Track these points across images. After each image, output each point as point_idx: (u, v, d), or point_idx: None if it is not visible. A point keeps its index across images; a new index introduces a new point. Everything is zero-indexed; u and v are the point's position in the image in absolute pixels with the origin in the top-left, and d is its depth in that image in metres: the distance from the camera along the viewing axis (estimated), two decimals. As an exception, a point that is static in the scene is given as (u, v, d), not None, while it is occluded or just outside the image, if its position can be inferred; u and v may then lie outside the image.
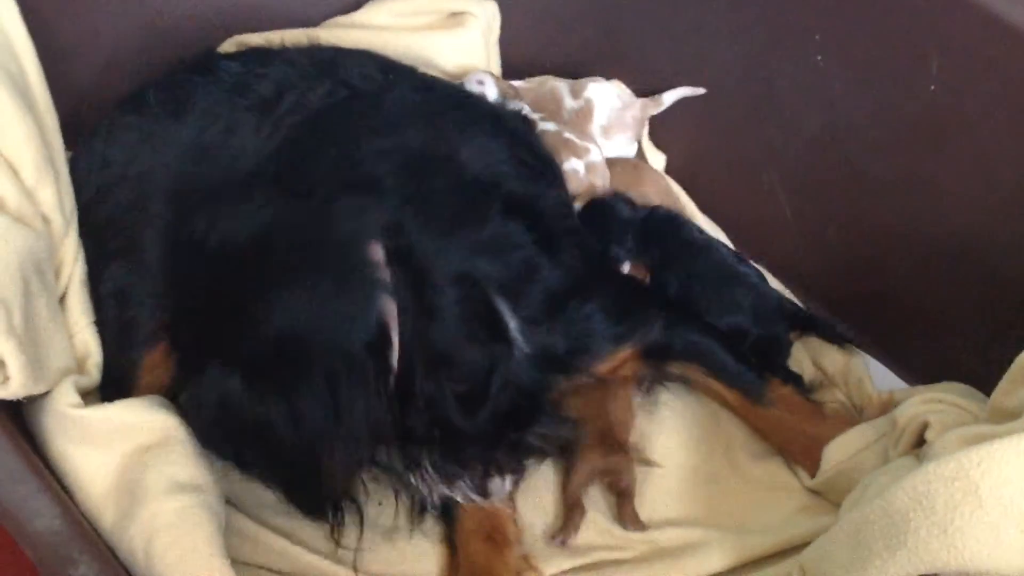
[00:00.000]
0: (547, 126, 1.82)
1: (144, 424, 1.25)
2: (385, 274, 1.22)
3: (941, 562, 1.02)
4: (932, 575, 1.05)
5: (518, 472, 1.40)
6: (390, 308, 1.21)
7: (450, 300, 1.27)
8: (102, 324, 1.39)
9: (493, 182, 1.46)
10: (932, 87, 1.46)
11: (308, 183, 1.38)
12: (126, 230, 1.44)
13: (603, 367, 1.48)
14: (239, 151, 1.48)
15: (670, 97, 1.89)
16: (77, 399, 1.24)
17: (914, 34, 1.46)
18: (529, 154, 1.63)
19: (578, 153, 1.77)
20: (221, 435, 1.25)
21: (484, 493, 1.35)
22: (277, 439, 1.19)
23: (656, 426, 1.59)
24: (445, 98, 1.67)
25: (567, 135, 1.79)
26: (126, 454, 1.23)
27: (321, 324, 1.19)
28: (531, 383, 1.35)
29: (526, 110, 1.85)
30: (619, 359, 1.49)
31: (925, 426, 1.31)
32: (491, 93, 1.83)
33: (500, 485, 1.36)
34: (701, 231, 1.79)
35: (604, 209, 1.75)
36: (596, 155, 1.80)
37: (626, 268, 1.72)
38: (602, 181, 1.78)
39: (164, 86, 1.57)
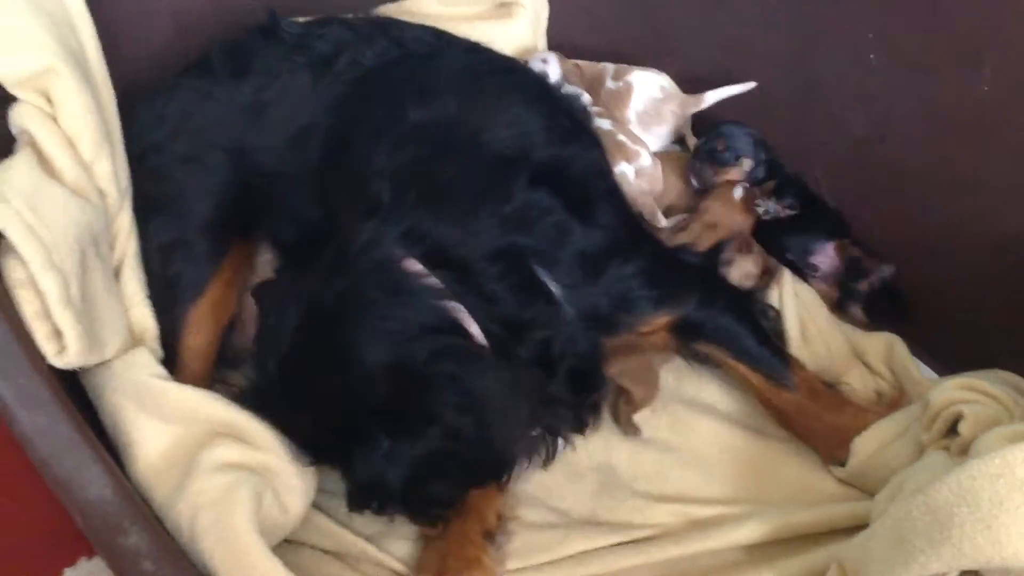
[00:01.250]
0: (603, 124, 1.82)
1: (218, 417, 1.28)
2: (432, 279, 1.28)
3: (985, 557, 1.03)
4: (974, 571, 1.06)
5: (594, 426, 1.50)
6: (455, 307, 1.28)
7: (494, 276, 1.33)
8: (148, 281, 1.42)
9: (520, 153, 1.48)
10: (985, 87, 1.46)
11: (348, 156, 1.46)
12: (177, 181, 1.50)
13: (643, 328, 1.51)
14: (295, 107, 1.54)
15: (712, 96, 1.91)
16: (160, 370, 1.30)
17: (968, 35, 1.47)
18: (566, 118, 1.66)
19: (628, 157, 1.78)
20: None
21: (569, 444, 1.48)
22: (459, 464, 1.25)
23: (691, 411, 1.62)
24: (490, 63, 1.70)
25: (620, 137, 1.79)
26: (190, 433, 1.27)
27: (414, 352, 1.23)
28: (585, 343, 1.41)
29: (585, 99, 1.87)
30: (656, 324, 1.52)
31: (958, 416, 1.31)
32: (553, 73, 1.87)
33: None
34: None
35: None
36: (646, 159, 1.80)
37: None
38: (650, 186, 1.79)
39: (227, 48, 1.62)
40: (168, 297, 1.44)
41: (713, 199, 1.79)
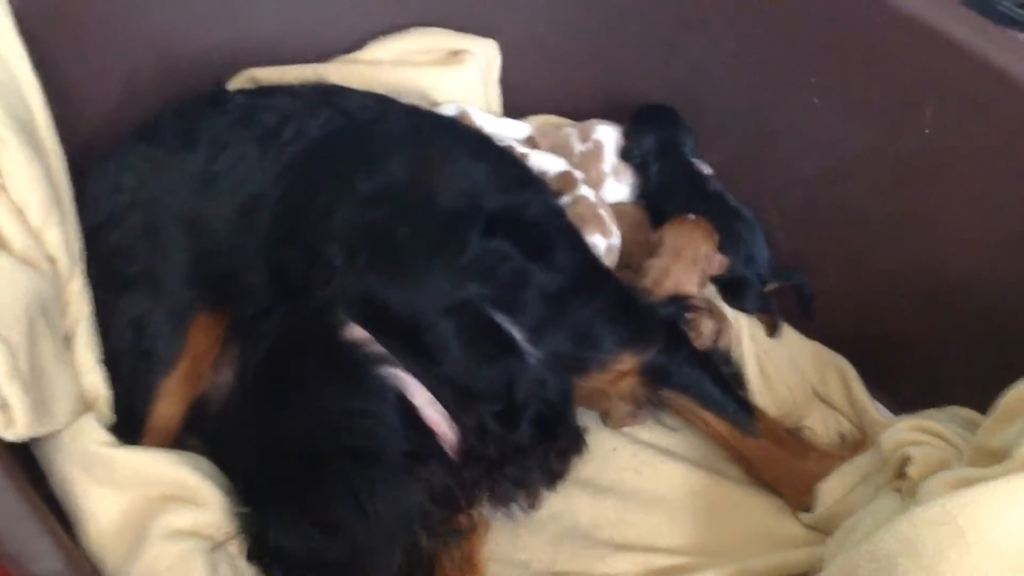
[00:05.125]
0: (587, 192, 1.82)
1: (168, 478, 1.29)
2: (376, 346, 1.28)
3: (930, 608, 1.02)
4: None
5: (564, 476, 1.47)
6: (399, 375, 1.28)
7: (447, 332, 1.32)
8: (117, 353, 1.42)
9: (472, 205, 1.48)
10: (926, 130, 1.48)
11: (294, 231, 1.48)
12: (140, 258, 1.49)
13: (611, 368, 1.50)
14: (244, 178, 1.54)
15: None
16: (107, 437, 1.28)
17: (908, 78, 1.49)
18: (513, 167, 1.68)
19: (604, 232, 1.77)
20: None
21: (536, 505, 1.46)
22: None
23: (652, 452, 1.62)
24: (432, 123, 1.71)
25: (601, 211, 1.79)
26: (141, 498, 1.27)
27: (351, 428, 1.24)
28: (553, 387, 1.40)
29: (563, 165, 1.87)
30: (623, 365, 1.51)
31: (907, 459, 1.32)
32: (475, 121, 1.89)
33: (545, 495, 1.46)
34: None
35: (666, 115, 1.89)
36: (617, 240, 1.79)
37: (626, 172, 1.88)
38: (614, 266, 1.79)
39: (175, 116, 1.62)
40: (140, 370, 1.45)
41: (667, 229, 1.77)
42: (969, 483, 1.10)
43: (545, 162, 1.85)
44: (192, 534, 1.26)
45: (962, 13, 1.43)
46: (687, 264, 1.71)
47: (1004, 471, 1.10)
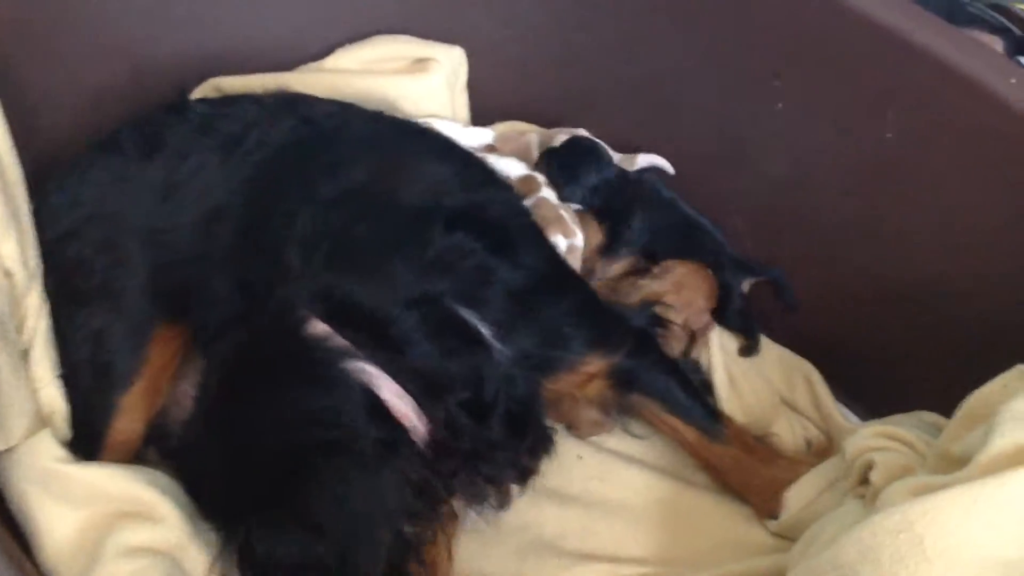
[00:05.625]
0: (549, 195, 1.82)
1: (124, 494, 1.28)
2: (338, 340, 1.26)
3: (888, 617, 1.02)
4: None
5: (535, 473, 1.45)
6: (364, 368, 1.25)
7: (412, 325, 1.30)
8: (76, 368, 1.41)
9: (434, 203, 1.47)
10: (888, 134, 1.47)
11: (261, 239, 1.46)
12: (98, 272, 1.47)
13: (578, 369, 1.49)
14: (206, 188, 1.53)
15: (644, 159, 1.90)
16: (63, 453, 1.28)
17: (869, 82, 1.48)
18: (476, 169, 1.66)
19: (566, 232, 1.76)
20: None
21: (506, 504, 1.43)
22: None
23: (619, 460, 1.60)
24: (395, 128, 1.70)
25: (563, 213, 1.78)
26: (97, 515, 1.26)
27: (320, 423, 1.21)
28: (522, 385, 1.39)
29: (524, 169, 1.86)
30: (591, 367, 1.50)
31: (870, 465, 1.31)
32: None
33: (518, 491, 1.44)
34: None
35: (585, 150, 1.86)
36: (579, 241, 1.78)
37: (573, 207, 1.82)
38: (578, 265, 1.77)
39: (136, 127, 1.60)
40: (99, 385, 1.43)
41: (680, 264, 1.76)
42: (929, 490, 1.09)
43: (506, 167, 1.83)
44: (149, 551, 1.25)
45: (923, 16, 1.42)
46: (679, 304, 1.70)
47: (963, 478, 1.08)
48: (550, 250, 1.61)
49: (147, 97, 1.67)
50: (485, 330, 1.37)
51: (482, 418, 1.33)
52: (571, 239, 1.76)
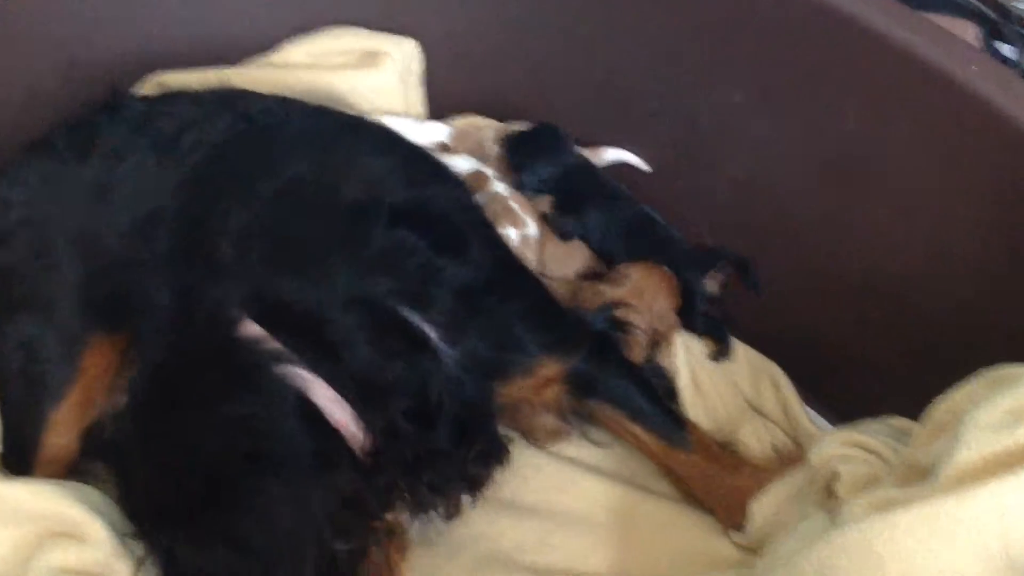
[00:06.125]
0: (499, 188, 1.76)
1: (52, 513, 1.25)
2: (272, 343, 1.21)
3: (845, 639, 0.96)
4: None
5: (486, 483, 1.40)
6: (299, 373, 1.20)
7: (351, 326, 1.25)
8: (6, 379, 1.38)
9: (376, 198, 1.41)
10: (850, 127, 1.42)
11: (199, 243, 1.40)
12: (29, 279, 1.43)
13: (533, 373, 1.43)
14: (141, 190, 1.47)
15: (612, 154, 1.85)
16: (-12, 471, 1.22)
17: (829, 71, 1.42)
18: (422, 163, 1.61)
19: (516, 224, 1.71)
20: None
21: (455, 515, 1.38)
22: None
23: (578, 469, 1.55)
24: (337, 123, 1.64)
25: (512, 204, 1.73)
26: (23, 535, 1.24)
27: (248, 432, 1.16)
28: (471, 389, 1.33)
29: (474, 164, 1.81)
30: (546, 370, 1.44)
31: (835, 475, 1.26)
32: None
33: (469, 502, 1.39)
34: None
35: (547, 137, 1.81)
36: (533, 230, 1.74)
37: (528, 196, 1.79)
38: (533, 255, 1.73)
39: (71, 127, 1.55)
40: (30, 397, 1.39)
41: (636, 269, 1.69)
42: (891, 505, 1.03)
43: (456, 165, 1.78)
44: (77, 573, 1.21)
45: (883, 3, 1.36)
46: (642, 307, 1.64)
47: (926, 493, 1.03)
48: (501, 247, 1.56)
49: (85, 95, 1.61)
50: (431, 332, 1.32)
51: (426, 425, 1.28)
52: (523, 230, 1.72)
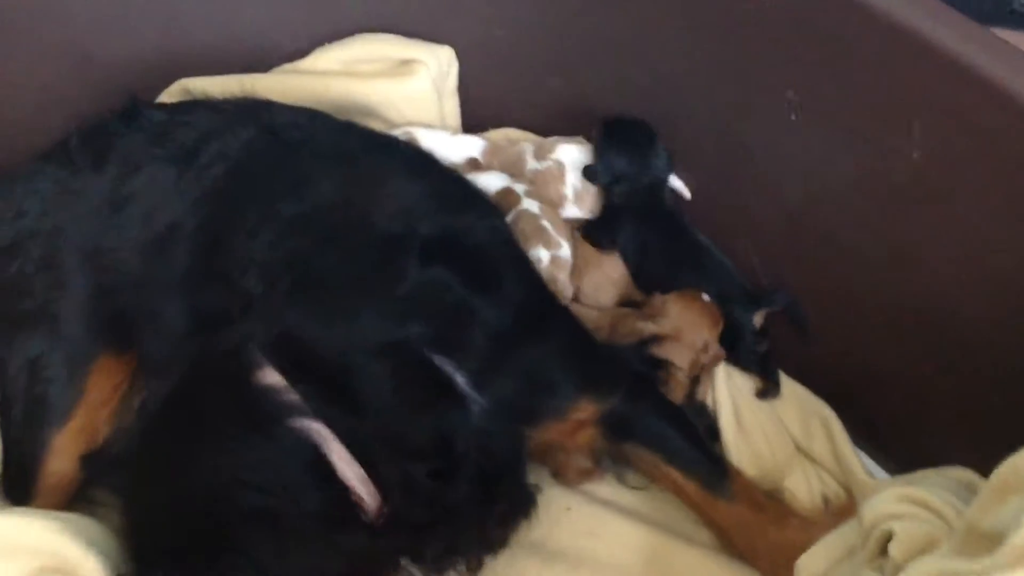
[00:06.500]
0: (531, 206, 1.68)
1: (48, 548, 1.20)
2: (291, 395, 1.14)
3: None
4: None
5: (509, 541, 1.33)
6: (315, 428, 1.14)
7: (378, 376, 1.19)
8: (10, 398, 1.36)
9: (408, 230, 1.35)
10: (915, 154, 1.30)
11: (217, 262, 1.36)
12: (37, 293, 1.39)
13: (567, 416, 1.36)
14: (158, 204, 1.43)
15: None
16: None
17: (894, 96, 1.30)
18: (456, 187, 1.54)
19: (548, 244, 1.64)
20: None
21: (477, 570, 1.31)
22: None
23: (612, 513, 1.46)
24: (365, 141, 1.58)
25: (544, 223, 1.66)
26: (16, 570, 1.18)
27: (257, 487, 1.10)
28: (500, 438, 1.27)
29: (504, 181, 1.73)
30: (581, 413, 1.37)
31: (890, 535, 1.16)
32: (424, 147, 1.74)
33: (486, 560, 1.32)
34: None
35: (642, 133, 1.70)
36: (565, 252, 1.66)
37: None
38: (564, 276, 1.65)
39: (87, 135, 1.51)
40: (32, 418, 1.35)
41: (674, 301, 1.59)
42: (952, 577, 0.92)
43: (486, 181, 1.70)
44: None
45: (955, 20, 1.24)
46: (684, 347, 1.55)
47: (992, 566, 0.93)
48: (536, 281, 1.49)
49: (106, 101, 1.56)
50: (461, 379, 1.25)
51: (447, 480, 1.20)
52: (555, 251, 1.65)
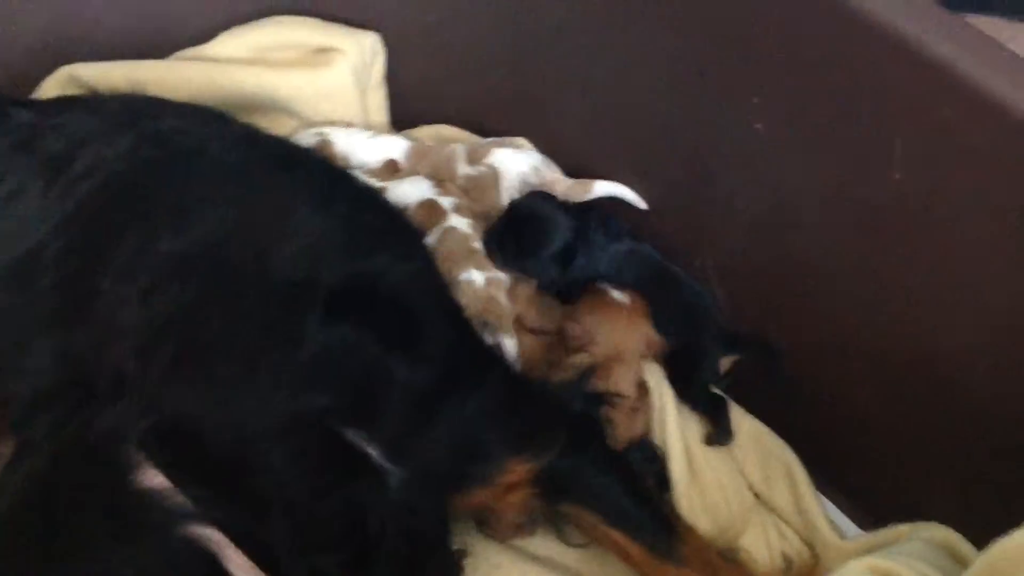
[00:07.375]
0: (459, 224, 1.52)
1: None
2: (180, 498, 0.97)
3: None
4: None
5: None
6: (209, 535, 0.97)
7: (281, 461, 1.04)
8: None
9: (311, 276, 1.18)
10: (896, 175, 1.14)
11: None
12: None
13: (495, 480, 1.23)
14: (21, 223, 1.25)
15: (602, 188, 1.57)
16: None
17: (873, 105, 1.14)
18: (372, 217, 1.38)
19: (482, 266, 1.48)
20: None
21: None
22: None
23: (547, 571, 1.34)
24: (265, 155, 1.40)
25: (476, 244, 1.50)
26: None
27: None
28: (422, 509, 1.14)
29: (425, 191, 1.56)
30: (512, 475, 1.23)
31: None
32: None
33: None
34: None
35: (531, 215, 1.52)
36: (500, 274, 1.50)
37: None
38: (503, 296, 1.49)
39: None
40: None
41: (586, 311, 1.45)
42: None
43: (404, 193, 1.54)
44: None
45: (945, 20, 1.06)
46: (627, 365, 1.43)
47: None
48: (462, 327, 1.33)
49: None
50: (375, 451, 1.10)
51: (362, 566, 1.06)
52: (490, 272, 1.48)
